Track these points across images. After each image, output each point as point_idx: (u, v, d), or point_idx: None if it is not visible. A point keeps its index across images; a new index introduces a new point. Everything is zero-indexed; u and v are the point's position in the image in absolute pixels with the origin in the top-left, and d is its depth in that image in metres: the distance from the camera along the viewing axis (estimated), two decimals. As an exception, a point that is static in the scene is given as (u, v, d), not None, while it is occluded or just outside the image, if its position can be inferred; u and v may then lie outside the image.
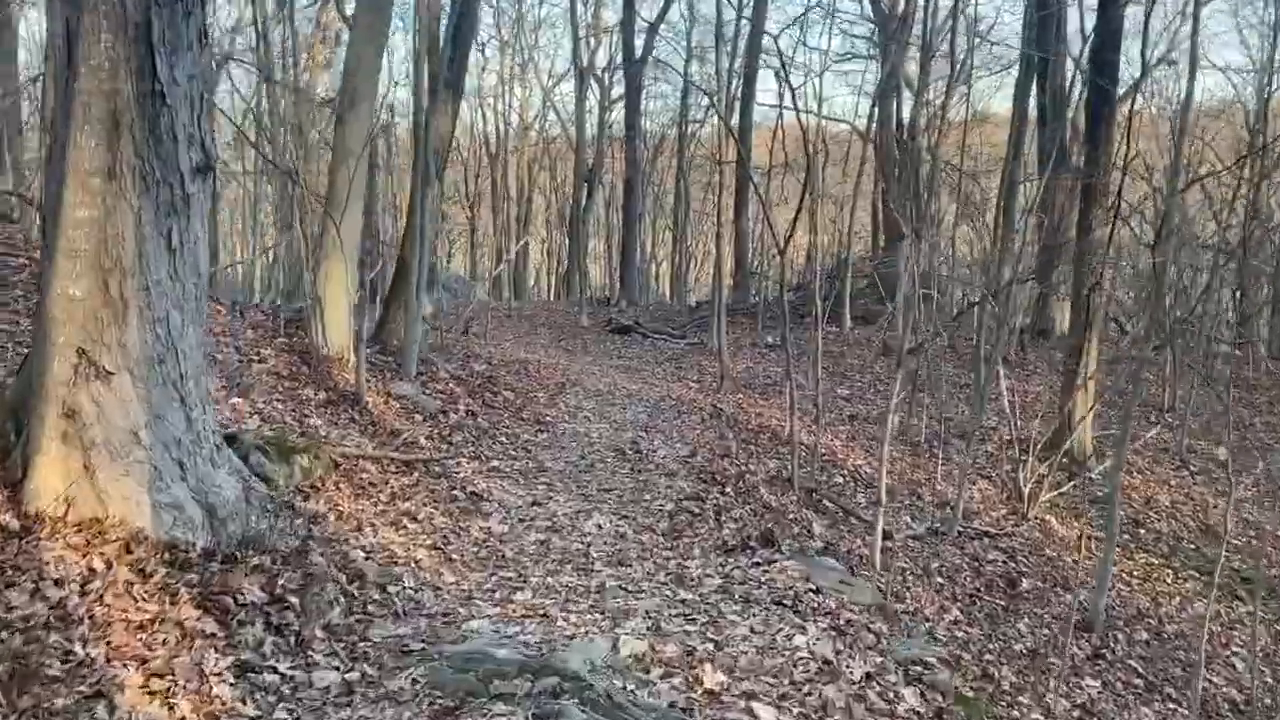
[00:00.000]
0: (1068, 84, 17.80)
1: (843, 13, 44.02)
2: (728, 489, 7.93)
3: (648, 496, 7.39)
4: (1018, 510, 10.40)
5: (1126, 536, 10.24)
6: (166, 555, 3.89)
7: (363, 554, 4.97)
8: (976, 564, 8.85)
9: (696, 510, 6.91)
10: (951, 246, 21.97)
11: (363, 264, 10.43)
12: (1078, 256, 12.53)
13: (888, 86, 21.48)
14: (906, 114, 23.26)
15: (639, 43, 27.27)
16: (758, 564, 5.47)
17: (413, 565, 5.11)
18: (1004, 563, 9.10)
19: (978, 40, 21.57)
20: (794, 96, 13.19)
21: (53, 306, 3.86)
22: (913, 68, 23.72)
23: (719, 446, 9.91)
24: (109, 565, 3.71)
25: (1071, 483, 11.19)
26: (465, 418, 9.56)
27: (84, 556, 3.72)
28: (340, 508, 5.88)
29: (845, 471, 10.79)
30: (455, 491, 6.96)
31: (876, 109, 22.11)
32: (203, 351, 4.34)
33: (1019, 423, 11.71)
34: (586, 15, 30.94)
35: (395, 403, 9.23)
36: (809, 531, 7.64)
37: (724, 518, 6.87)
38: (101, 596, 3.48)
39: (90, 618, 3.36)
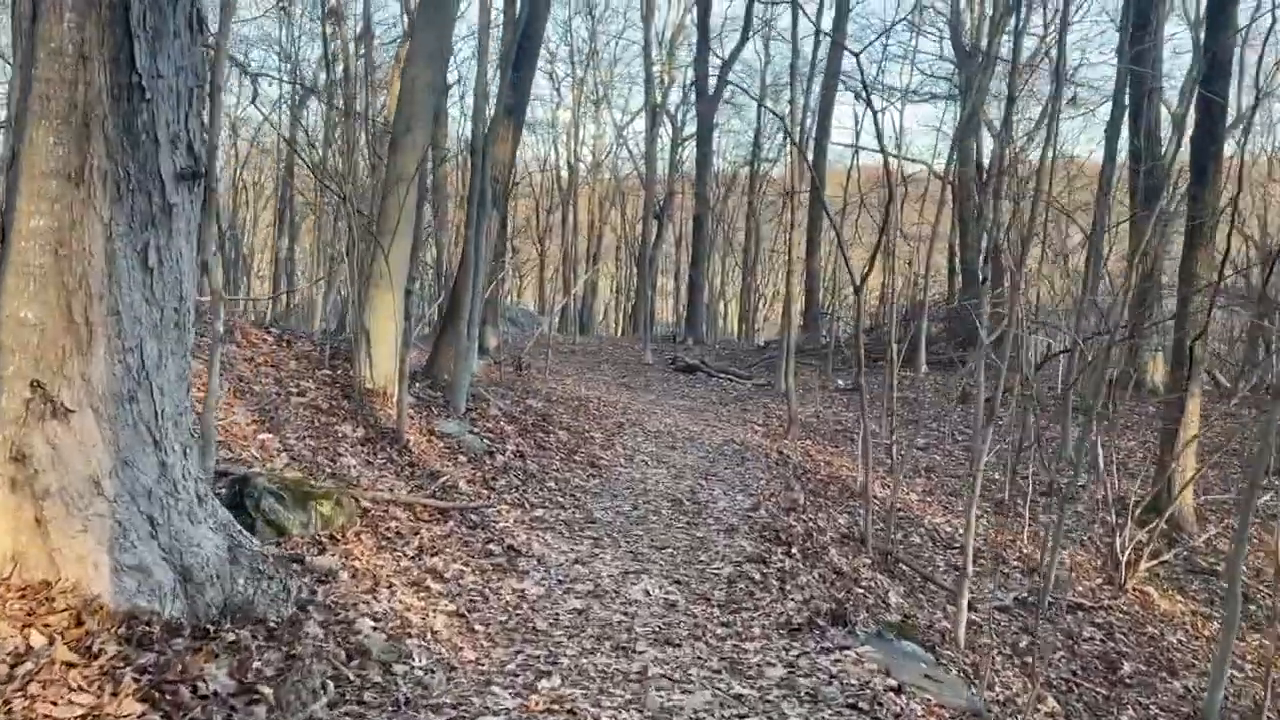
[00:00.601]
0: (1161, 125, 16.83)
1: (922, 52, 43.06)
2: (793, 549, 7.16)
3: (704, 557, 6.65)
4: (1114, 580, 9.42)
5: (1237, 614, 9.19)
6: (123, 629, 3.28)
7: (371, 623, 4.33)
8: (1071, 642, 7.93)
9: (758, 576, 6.15)
10: (1036, 292, 20.92)
11: (409, 294, 9.91)
12: (1180, 305, 11.54)
13: (968, 127, 20.61)
14: (987, 156, 22.40)
15: (712, 80, 26.81)
16: (827, 649, 4.69)
17: (428, 637, 4.45)
18: (1102, 641, 8.16)
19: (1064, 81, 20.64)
20: (875, 117, 12.41)
21: (0, 332, 3.30)
22: (993, 109, 22.88)
23: (785, 499, 9.13)
24: (50, 641, 3.12)
25: (1173, 551, 10.17)
26: (513, 459, 8.93)
27: (23, 629, 3.12)
28: (358, 563, 5.27)
29: (922, 529, 9.92)
30: (491, 545, 6.31)
31: (955, 150, 21.27)
32: (185, 387, 3.75)
33: (1114, 482, 10.72)
34: (660, 54, 30.64)
35: (439, 441, 8.65)
36: (884, 602, 6.83)
37: (789, 585, 6.10)
38: (27, 684, 2.88)
39: (7, 713, 2.75)
